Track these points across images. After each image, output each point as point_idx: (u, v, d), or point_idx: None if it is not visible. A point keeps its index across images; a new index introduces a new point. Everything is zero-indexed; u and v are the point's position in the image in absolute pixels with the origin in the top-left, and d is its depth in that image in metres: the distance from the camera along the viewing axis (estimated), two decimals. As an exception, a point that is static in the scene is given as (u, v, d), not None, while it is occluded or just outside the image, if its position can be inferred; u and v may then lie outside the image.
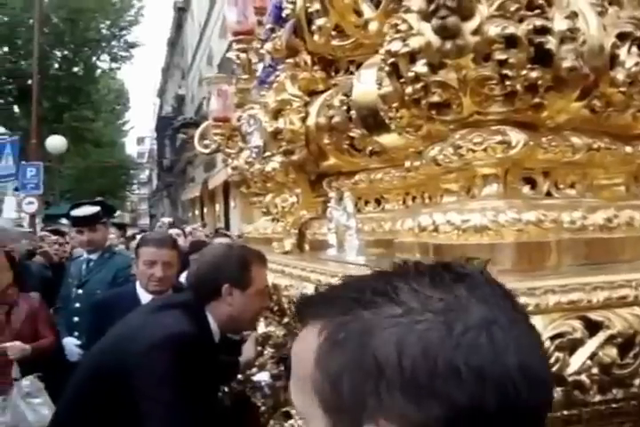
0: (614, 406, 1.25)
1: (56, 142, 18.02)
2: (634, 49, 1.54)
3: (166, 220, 12.42)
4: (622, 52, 1.52)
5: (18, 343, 3.91)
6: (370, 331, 0.65)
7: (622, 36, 1.52)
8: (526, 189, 1.62)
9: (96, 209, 4.78)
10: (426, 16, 1.42)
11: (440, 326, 0.63)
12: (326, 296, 0.75)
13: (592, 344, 1.22)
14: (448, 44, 1.39)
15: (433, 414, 0.61)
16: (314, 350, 0.69)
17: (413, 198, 2.21)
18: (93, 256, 4.67)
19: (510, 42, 1.36)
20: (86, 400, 2.20)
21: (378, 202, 2.43)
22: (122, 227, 10.57)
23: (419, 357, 0.62)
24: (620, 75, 1.53)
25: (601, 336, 1.22)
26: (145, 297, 3.26)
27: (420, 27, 1.44)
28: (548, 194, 1.64)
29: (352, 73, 2.59)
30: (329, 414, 0.67)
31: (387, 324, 0.65)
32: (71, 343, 4.39)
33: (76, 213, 4.73)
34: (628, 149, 1.73)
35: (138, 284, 3.41)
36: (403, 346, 0.63)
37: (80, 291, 4.55)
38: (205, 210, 28.21)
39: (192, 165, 29.76)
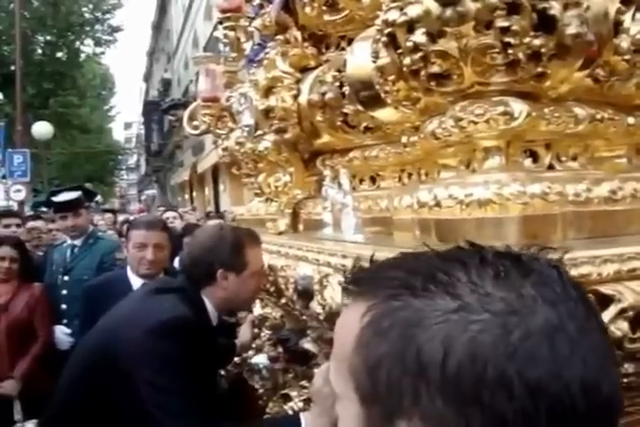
0: (625, 380, 1.22)
1: (42, 129, 17.85)
2: (638, 15, 1.49)
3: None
4: (627, 19, 1.47)
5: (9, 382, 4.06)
6: (418, 323, 0.59)
7: (627, 2, 1.47)
8: (528, 162, 1.58)
9: (78, 193, 4.74)
10: (424, -17, 1.36)
11: (496, 330, 0.57)
12: (376, 274, 0.69)
13: (603, 318, 1.19)
14: (448, 12, 1.33)
15: (474, 422, 0.56)
16: (355, 334, 0.64)
17: (409, 175, 2.17)
18: (77, 242, 4.63)
19: (513, 8, 1.31)
20: (84, 387, 2.16)
21: (373, 180, 2.39)
22: (114, 213, 10.56)
23: (466, 360, 0.56)
24: (624, 42, 1.49)
25: (612, 310, 1.19)
26: (136, 281, 3.23)
27: (418, -6, 1.39)
28: (550, 167, 1.60)
29: (343, 49, 2.53)
30: (362, 402, 0.63)
31: (437, 318, 0.59)
32: (60, 331, 4.36)
33: (59, 198, 4.68)
34: (631, 119, 1.69)
35: (128, 268, 3.36)
36: (450, 346, 0.57)
37: (66, 278, 4.52)
38: (195, 194, 28.12)
39: (180, 149, 29.62)
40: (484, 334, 0.57)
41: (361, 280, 0.70)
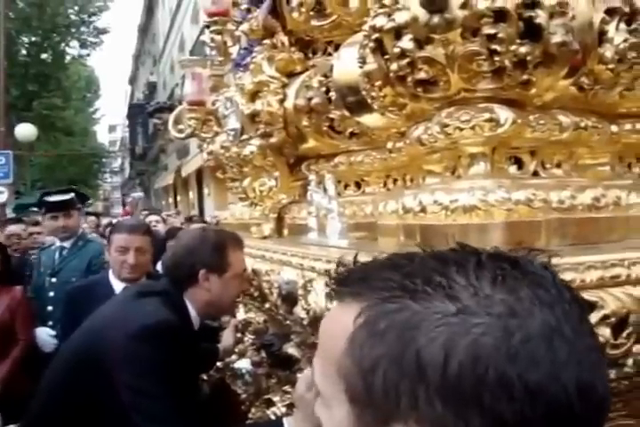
0: (607, 387, 1.23)
1: (25, 131, 17.73)
2: (622, 25, 1.51)
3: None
4: (611, 28, 1.49)
5: None
6: (416, 326, 0.59)
7: (611, 12, 1.49)
8: (513, 169, 1.59)
9: (71, 195, 4.74)
10: (412, -11, 1.37)
11: (498, 333, 0.57)
12: (367, 275, 0.67)
13: (586, 324, 1.19)
14: (435, 19, 1.34)
15: (472, 424, 0.55)
16: (347, 336, 0.63)
17: (394, 181, 2.18)
18: (66, 244, 4.61)
19: (499, 16, 1.32)
20: (66, 390, 2.14)
21: (358, 185, 2.39)
22: (97, 216, 10.51)
23: (468, 363, 0.56)
24: (608, 52, 1.51)
25: (594, 316, 1.20)
26: (118, 285, 3.20)
27: (406, 1, 1.40)
28: (535, 174, 1.61)
29: (330, 54, 2.54)
30: (354, 404, 0.62)
31: (437, 321, 0.58)
32: (45, 333, 4.32)
33: (52, 198, 4.67)
34: (614, 128, 1.71)
35: (110, 272, 3.34)
36: (452, 348, 0.56)
37: (53, 280, 4.48)
38: (179, 198, 28.00)
39: (165, 152, 29.47)
40: (485, 337, 0.57)
41: (350, 281, 0.69)
